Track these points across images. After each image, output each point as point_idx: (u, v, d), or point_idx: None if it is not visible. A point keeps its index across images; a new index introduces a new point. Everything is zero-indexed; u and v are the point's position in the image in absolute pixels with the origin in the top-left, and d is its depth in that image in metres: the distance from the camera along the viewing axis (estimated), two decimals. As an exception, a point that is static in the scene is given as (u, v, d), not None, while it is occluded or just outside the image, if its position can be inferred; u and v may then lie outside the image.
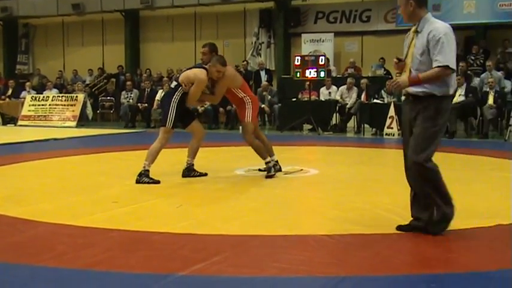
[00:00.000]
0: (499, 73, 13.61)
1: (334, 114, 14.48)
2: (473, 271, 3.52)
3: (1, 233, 4.44)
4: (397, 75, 4.36)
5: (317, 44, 17.10)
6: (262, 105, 14.32)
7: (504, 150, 10.08)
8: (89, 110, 16.81)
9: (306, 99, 14.37)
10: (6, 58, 22.29)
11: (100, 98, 17.84)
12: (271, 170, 6.90)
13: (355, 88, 14.17)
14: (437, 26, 4.10)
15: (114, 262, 3.66)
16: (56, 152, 9.94)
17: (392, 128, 12.47)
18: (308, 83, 14.16)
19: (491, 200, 5.65)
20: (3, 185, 6.64)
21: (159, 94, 14.98)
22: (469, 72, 13.85)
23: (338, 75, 16.00)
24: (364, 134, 13.57)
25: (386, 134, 12.64)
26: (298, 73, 13.84)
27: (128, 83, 17.04)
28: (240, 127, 7.86)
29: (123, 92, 16.80)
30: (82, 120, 16.24)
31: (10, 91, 18.37)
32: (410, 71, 4.18)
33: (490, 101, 12.41)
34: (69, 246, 4.01)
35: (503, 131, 12.47)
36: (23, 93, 17.94)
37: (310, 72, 13.64)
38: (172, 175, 6.92)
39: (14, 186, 6.57)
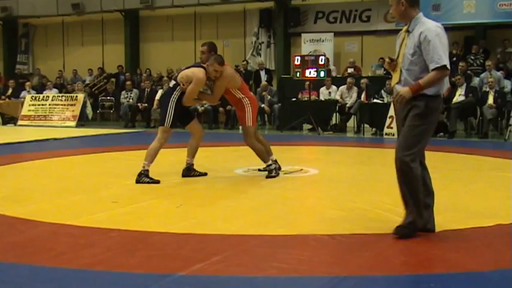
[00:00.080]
0: (499, 73, 13.59)
1: (334, 114, 14.49)
2: (473, 271, 3.51)
3: (1, 233, 4.44)
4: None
5: (317, 44, 17.09)
6: (262, 105, 14.34)
7: (504, 150, 10.07)
8: (89, 110, 16.80)
9: (305, 99, 14.36)
10: (6, 58, 22.27)
11: (100, 98, 17.82)
12: (273, 172, 6.92)
13: (355, 88, 14.17)
14: (428, 27, 4.08)
15: (114, 262, 3.66)
16: (55, 152, 9.95)
17: (392, 127, 12.45)
18: (308, 82, 14.15)
19: (491, 200, 5.64)
20: (3, 185, 6.64)
21: (159, 94, 14.94)
22: (469, 72, 13.85)
23: (338, 75, 15.98)
24: (364, 134, 13.56)
25: (386, 134, 12.65)
26: (298, 73, 13.83)
27: (128, 82, 17.04)
28: (240, 127, 7.86)
29: (123, 92, 16.79)
30: (82, 120, 16.24)
31: (10, 91, 18.35)
32: (401, 70, 4.18)
33: (490, 100, 12.42)
34: (69, 246, 4.01)
35: (503, 130, 12.48)
36: (23, 93, 17.92)
37: (310, 72, 13.63)
38: (172, 175, 6.92)
39: (14, 186, 6.56)
